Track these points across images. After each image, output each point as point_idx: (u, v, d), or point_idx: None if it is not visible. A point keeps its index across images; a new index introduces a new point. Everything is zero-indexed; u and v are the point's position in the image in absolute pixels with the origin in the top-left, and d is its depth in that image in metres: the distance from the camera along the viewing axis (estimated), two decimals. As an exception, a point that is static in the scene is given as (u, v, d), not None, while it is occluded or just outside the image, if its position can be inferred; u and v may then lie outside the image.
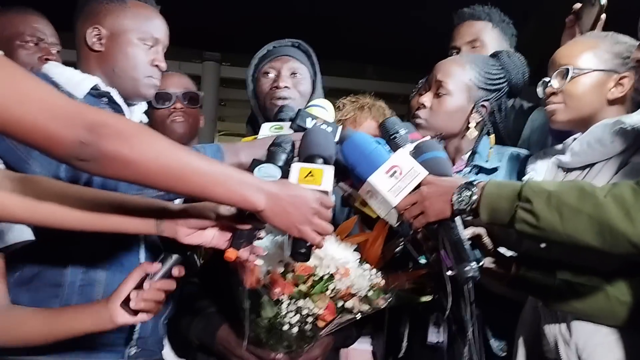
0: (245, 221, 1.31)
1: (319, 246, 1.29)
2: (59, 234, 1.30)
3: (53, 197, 1.26)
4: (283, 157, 1.46)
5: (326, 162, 1.39)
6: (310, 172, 1.33)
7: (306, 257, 1.30)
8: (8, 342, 1.36)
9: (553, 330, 1.54)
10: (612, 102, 1.64)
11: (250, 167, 1.38)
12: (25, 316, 1.38)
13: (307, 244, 1.28)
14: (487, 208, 1.34)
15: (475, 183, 1.37)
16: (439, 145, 1.56)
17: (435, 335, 1.86)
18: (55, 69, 1.62)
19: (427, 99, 1.92)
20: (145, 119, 1.81)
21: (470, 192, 1.35)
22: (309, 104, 1.79)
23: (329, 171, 1.34)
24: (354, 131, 1.48)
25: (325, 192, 1.31)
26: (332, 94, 2.45)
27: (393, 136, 1.63)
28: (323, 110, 1.74)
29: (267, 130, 1.67)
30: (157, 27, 1.70)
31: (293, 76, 2.00)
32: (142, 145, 1.10)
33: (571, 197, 1.27)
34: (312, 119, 1.64)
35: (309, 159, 1.40)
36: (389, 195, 1.39)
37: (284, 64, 2.00)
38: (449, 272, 1.36)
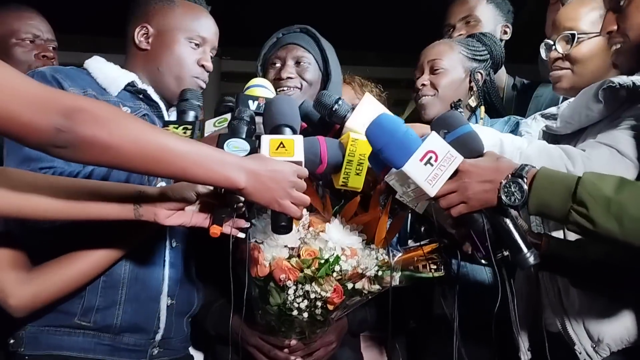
0: (224, 198, 1.31)
1: (299, 218, 1.32)
2: (80, 232, 1.28)
3: (26, 188, 1.23)
4: (245, 129, 1.41)
5: (294, 131, 1.38)
6: (281, 144, 1.31)
7: (288, 229, 1.32)
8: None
9: (554, 301, 1.52)
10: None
11: (218, 143, 1.35)
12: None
13: (287, 217, 1.29)
14: (537, 202, 1.23)
15: (524, 173, 1.24)
16: (463, 117, 1.44)
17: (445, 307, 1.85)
18: (95, 64, 1.62)
19: (425, 78, 1.99)
20: None
21: (519, 186, 1.23)
22: (248, 85, 1.67)
23: (299, 141, 1.33)
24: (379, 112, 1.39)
25: (299, 163, 1.30)
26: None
27: (334, 108, 1.55)
28: (264, 89, 1.65)
29: (212, 126, 1.57)
30: (205, 27, 1.70)
31: (297, 65, 1.93)
32: (121, 129, 1.09)
33: (634, 206, 1.16)
34: (254, 101, 1.53)
35: (276, 129, 1.37)
36: (425, 185, 1.26)
37: (288, 53, 1.94)
38: (499, 256, 1.29)
